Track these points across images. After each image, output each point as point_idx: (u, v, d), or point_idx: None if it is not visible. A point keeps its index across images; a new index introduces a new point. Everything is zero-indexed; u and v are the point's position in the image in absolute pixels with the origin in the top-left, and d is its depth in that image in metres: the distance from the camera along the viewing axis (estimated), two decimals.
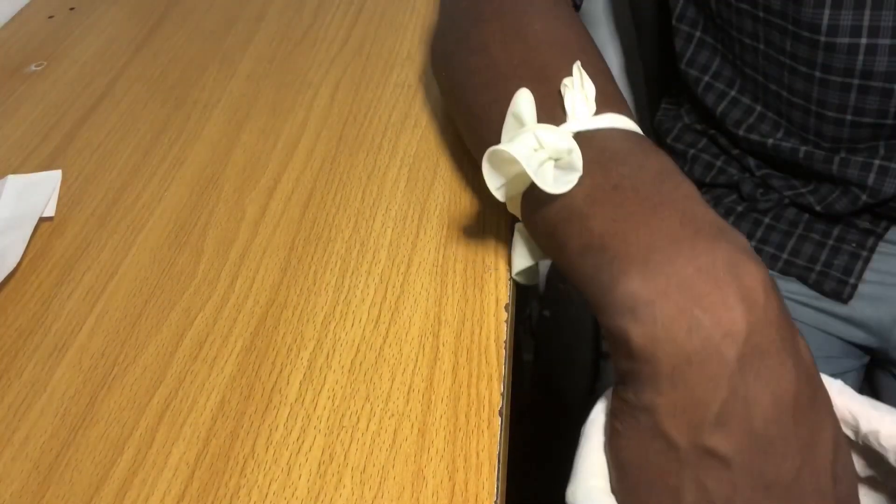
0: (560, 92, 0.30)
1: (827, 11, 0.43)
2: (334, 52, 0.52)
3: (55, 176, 0.43)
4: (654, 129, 0.65)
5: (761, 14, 0.47)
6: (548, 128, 0.27)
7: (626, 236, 0.24)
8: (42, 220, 0.41)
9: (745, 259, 0.22)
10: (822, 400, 0.23)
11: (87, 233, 0.40)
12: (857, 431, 0.25)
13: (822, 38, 0.44)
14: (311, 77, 0.50)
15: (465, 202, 0.39)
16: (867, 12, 0.42)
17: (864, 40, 0.43)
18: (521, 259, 0.33)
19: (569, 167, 0.26)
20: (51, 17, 0.61)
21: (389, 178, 0.41)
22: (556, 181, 0.26)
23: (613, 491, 0.24)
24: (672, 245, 0.23)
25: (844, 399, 0.25)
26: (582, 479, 0.24)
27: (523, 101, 0.29)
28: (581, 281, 0.25)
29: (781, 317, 0.22)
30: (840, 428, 0.24)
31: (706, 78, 0.54)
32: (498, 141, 0.30)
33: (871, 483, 0.27)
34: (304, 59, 0.52)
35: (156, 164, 0.44)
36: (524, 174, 0.27)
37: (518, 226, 0.32)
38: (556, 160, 0.27)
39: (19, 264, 0.39)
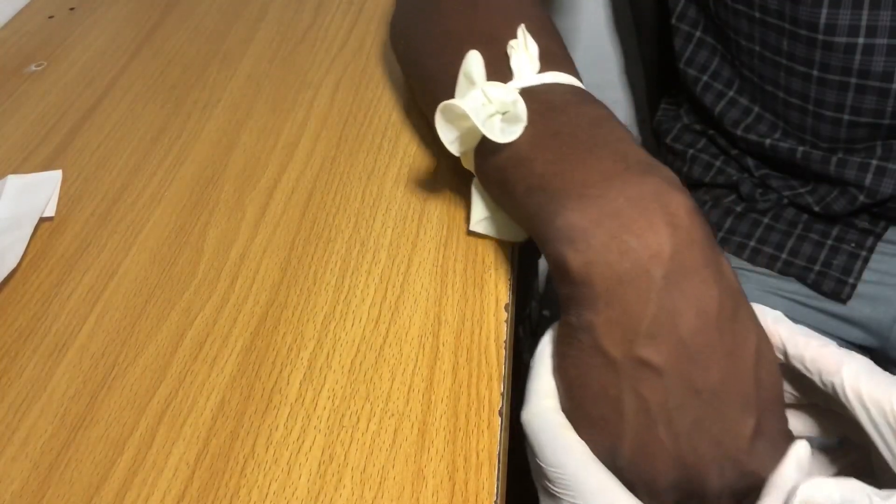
0: (507, 53, 0.32)
1: (825, 10, 0.43)
2: (334, 52, 0.52)
3: (55, 176, 0.43)
4: (654, 129, 0.65)
5: (757, 15, 0.47)
6: (495, 84, 0.30)
7: (565, 175, 0.26)
8: (42, 220, 0.41)
9: (670, 189, 0.24)
10: (745, 313, 0.25)
11: (87, 233, 0.40)
12: (785, 355, 0.26)
13: (820, 37, 0.44)
14: (311, 77, 0.50)
15: (464, 202, 0.39)
16: (865, 12, 0.42)
17: (861, 40, 0.43)
18: (478, 210, 0.35)
19: (514, 119, 0.29)
20: (51, 17, 0.61)
21: (389, 178, 0.41)
22: (503, 132, 0.29)
23: (563, 409, 0.26)
24: (605, 180, 0.25)
25: (777, 327, 0.26)
26: (534, 400, 0.27)
27: (473, 62, 0.31)
28: (527, 219, 0.28)
29: (705, 239, 0.24)
30: (766, 339, 0.26)
31: (705, 77, 0.54)
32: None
33: (803, 407, 0.28)
34: (304, 59, 0.52)
35: (156, 164, 0.44)
36: (475, 128, 0.30)
37: (474, 181, 0.34)
38: (503, 113, 0.30)
39: (19, 264, 0.39)
